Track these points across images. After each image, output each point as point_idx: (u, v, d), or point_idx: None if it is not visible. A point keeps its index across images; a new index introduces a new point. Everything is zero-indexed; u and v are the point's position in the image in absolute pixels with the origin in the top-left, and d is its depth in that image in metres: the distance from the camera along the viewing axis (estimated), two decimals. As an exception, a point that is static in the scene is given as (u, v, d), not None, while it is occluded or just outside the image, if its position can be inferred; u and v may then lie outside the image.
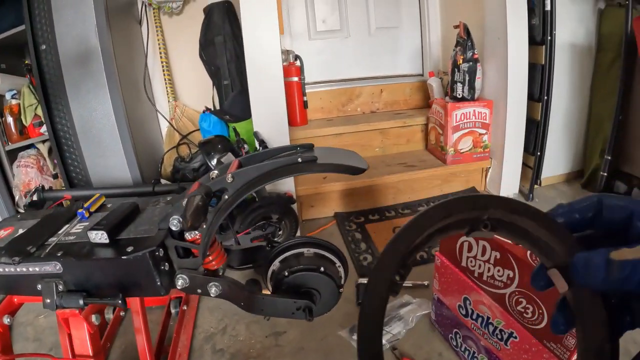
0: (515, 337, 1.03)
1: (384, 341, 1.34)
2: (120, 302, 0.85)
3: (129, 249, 0.84)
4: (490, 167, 2.39)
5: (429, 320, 1.43)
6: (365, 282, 1.58)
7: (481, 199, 0.38)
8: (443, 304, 1.30)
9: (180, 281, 0.87)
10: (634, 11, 1.93)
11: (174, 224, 0.81)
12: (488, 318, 1.11)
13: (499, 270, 1.05)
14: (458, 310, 1.23)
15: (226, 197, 0.81)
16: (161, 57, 2.52)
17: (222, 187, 0.83)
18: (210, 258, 0.89)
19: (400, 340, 1.36)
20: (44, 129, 2.13)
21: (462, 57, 2.16)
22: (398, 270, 0.38)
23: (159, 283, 0.85)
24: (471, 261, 1.14)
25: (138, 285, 0.87)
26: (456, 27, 2.20)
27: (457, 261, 1.18)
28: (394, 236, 0.38)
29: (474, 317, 1.17)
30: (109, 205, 1.10)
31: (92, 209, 1.06)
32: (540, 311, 0.94)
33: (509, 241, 0.99)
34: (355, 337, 1.37)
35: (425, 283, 1.61)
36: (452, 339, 1.30)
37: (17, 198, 2.19)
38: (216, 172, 0.84)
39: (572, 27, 2.22)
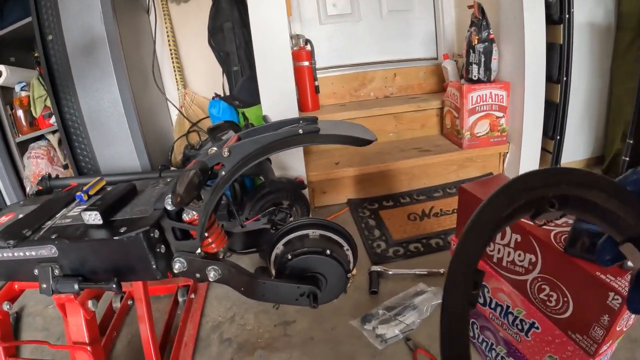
0: (537, 328, 0.96)
1: (396, 331, 1.29)
2: (114, 286, 0.82)
3: (123, 229, 0.80)
4: (508, 152, 2.31)
5: (444, 309, 1.37)
6: (379, 269, 1.54)
7: (546, 175, 0.35)
8: (459, 292, 1.24)
9: (178, 264, 0.83)
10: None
11: (169, 202, 0.77)
12: (507, 307, 1.04)
13: (519, 255, 0.98)
14: (475, 299, 1.16)
15: (223, 173, 0.77)
16: (169, 45, 2.50)
17: (219, 161, 0.78)
18: (210, 240, 0.85)
19: (414, 330, 1.31)
20: (53, 119, 2.12)
21: (477, 37, 2.09)
22: (473, 282, 0.36)
23: (154, 266, 0.81)
24: (490, 246, 1.07)
25: (133, 268, 0.83)
26: (470, 7, 2.13)
27: (474, 246, 1.12)
28: (460, 244, 0.36)
29: (493, 306, 1.10)
30: (109, 188, 1.07)
31: (92, 192, 1.02)
32: (566, 299, 0.86)
33: (529, 222, 0.92)
34: (366, 326, 1.33)
35: (442, 271, 1.56)
36: (469, 329, 1.24)
37: (28, 189, 2.19)
38: (214, 148, 0.80)
39: (591, 6, 2.13)
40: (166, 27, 2.47)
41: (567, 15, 1.94)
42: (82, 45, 1.87)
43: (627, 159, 2.02)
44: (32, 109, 2.20)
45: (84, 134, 1.98)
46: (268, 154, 0.74)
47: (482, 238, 0.35)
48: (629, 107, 2.02)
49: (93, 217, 0.84)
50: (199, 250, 0.86)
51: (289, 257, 0.84)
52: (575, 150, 2.36)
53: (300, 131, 0.75)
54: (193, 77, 2.63)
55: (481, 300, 1.14)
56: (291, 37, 1.91)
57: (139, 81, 2.19)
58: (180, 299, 1.50)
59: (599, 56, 2.23)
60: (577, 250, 0.79)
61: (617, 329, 0.77)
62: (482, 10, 2.06)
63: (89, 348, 0.94)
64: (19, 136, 2.23)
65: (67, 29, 1.85)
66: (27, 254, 0.86)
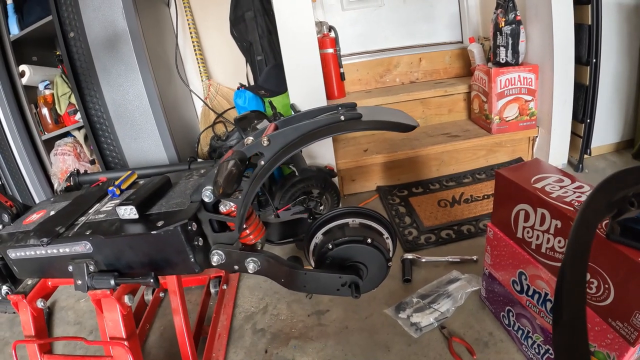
0: (577, 315, 0.93)
1: (431, 319, 1.27)
2: (152, 281, 0.81)
3: (160, 223, 0.79)
4: (537, 136, 2.26)
5: (478, 298, 1.36)
6: (412, 257, 1.52)
7: (623, 177, 0.35)
8: (495, 280, 1.21)
9: (216, 257, 0.82)
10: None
11: (207, 194, 0.76)
12: (546, 294, 1.02)
13: (559, 241, 0.95)
14: (512, 286, 1.14)
15: (262, 162, 0.75)
16: (192, 37, 2.50)
17: (258, 151, 0.76)
18: (248, 231, 0.84)
19: (449, 318, 1.29)
20: (78, 116, 2.14)
21: (503, 19, 2.03)
22: None
23: (192, 259, 0.80)
24: (528, 232, 1.04)
25: (170, 262, 0.83)
26: (497, -13, 2.06)
27: (512, 232, 1.09)
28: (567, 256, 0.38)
29: (530, 293, 1.07)
30: (141, 182, 1.06)
31: (124, 187, 1.02)
32: (607, 286, 0.83)
33: (569, 208, 0.89)
34: (401, 315, 1.31)
35: (475, 258, 1.53)
36: (504, 317, 1.22)
37: (55, 186, 2.22)
38: (251, 137, 0.78)
39: (618, -16, 2.05)
40: (187, 19, 2.46)
41: (595, -6, 1.88)
42: (104, 41, 1.88)
43: (658, 143, 1.96)
44: (56, 106, 2.23)
45: (110, 129, 2.00)
46: (309, 142, 0.73)
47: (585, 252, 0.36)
48: None
49: (129, 212, 0.83)
50: (237, 242, 0.85)
51: (330, 246, 0.83)
52: (606, 134, 2.29)
53: (342, 118, 0.73)
54: (216, 68, 2.63)
55: (518, 287, 1.11)
56: (315, 24, 1.89)
57: (163, 74, 2.20)
58: (212, 290, 1.50)
59: (628, 37, 2.15)
60: (619, 236, 0.77)
61: (659, 316, 0.75)
62: (509, -9, 2.00)
63: (126, 343, 0.94)
64: (44, 134, 2.26)
65: (88, 25, 1.86)
66: (61, 250, 0.86)
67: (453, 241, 1.70)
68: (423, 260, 1.57)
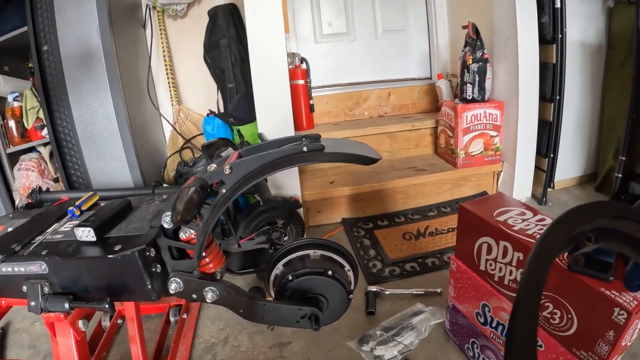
0: (541, 346, 0.94)
1: (395, 352, 1.26)
2: (107, 306, 0.79)
3: (117, 247, 0.78)
4: (502, 170, 2.32)
5: (443, 330, 1.36)
6: (376, 289, 1.52)
7: (582, 212, 0.36)
8: (459, 312, 1.22)
9: (174, 285, 0.80)
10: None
11: (166, 220, 0.75)
12: (509, 326, 1.03)
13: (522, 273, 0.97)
14: (476, 318, 1.15)
15: (224, 190, 0.75)
16: (165, 61, 2.49)
17: (220, 179, 0.76)
18: (207, 260, 0.83)
19: (413, 351, 1.28)
20: (45, 132, 2.09)
21: (471, 57, 2.11)
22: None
23: (149, 286, 0.78)
24: (491, 264, 1.06)
25: (127, 288, 0.81)
26: (465, 27, 2.15)
27: (475, 265, 1.11)
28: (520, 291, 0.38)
29: (494, 325, 1.09)
30: (102, 204, 1.04)
31: (84, 207, 1.00)
32: (570, 316, 0.85)
33: (531, 241, 0.92)
34: (364, 348, 1.30)
35: (438, 290, 1.54)
36: (469, 349, 1.22)
37: (17, 202, 2.14)
38: (214, 165, 0.78)
39: (582, 26, 2.17)
40: (162, 42, 2.46)
41: (560, 35, 1.98)
42: (77, 57, 1.86)
43: (620, 175, 2.04)
44: (24, 120, 2.17)
45: (76, 147, 1.95)
46: (271, 172, 0.73)
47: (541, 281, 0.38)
48: (620, 125, 2.06)
49: (86, 234, 0.81)
50: (196, 270, 0.83)
51: (290, 278, 0.82)
52: (569, 167, 2.38)
53: (305, 149, 0.74)
54: (188, 93, 2.62)
55: (482, 319, 1.12)
56: (287, 55, 1.91)
57: (134, 96, 2.17)
58: (172, 319, 1.46)
59: (591, 75, 2.26)
60: (580, 267, 0.80)
61: (622, 344, 0.77)
62: (476, 31, 2.08)
63: (78, 369, 0.90)
64: (9, 147, 2.19)
65: (63, 39, 1.84)
66: (16, 269, 0.83)
67: (417, 274, 1.70)
68: (387, 292, 1.56)
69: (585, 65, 2.24)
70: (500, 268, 1.02)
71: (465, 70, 2.15)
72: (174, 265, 0.83)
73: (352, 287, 0.86)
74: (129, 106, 1.97)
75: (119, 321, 1.49)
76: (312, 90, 2.44)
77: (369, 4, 2.68)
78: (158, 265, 0.82)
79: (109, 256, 0.78)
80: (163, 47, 2.47)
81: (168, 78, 2.51)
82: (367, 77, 2.75)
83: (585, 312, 0.81)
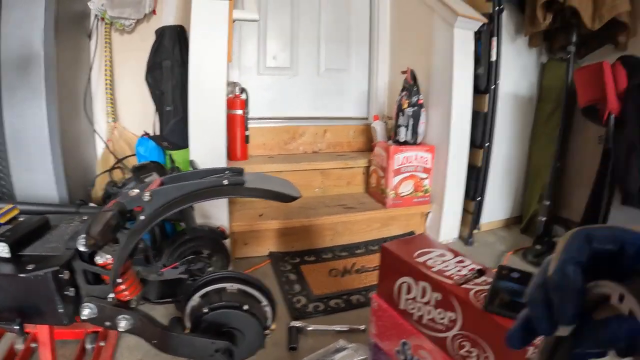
0: (456, 385, 0.96)
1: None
2: (17, 328, 0.75)
3: (30, 266, 0.75)
4: (430, 212, 2.40)
5: (364, 366, 1.35)
6: (299, 325, 1.49)
7: None
8: (380, 350, 1.23)
9: (87, 310, 0.77)
10: (574, 64, 2.05)
11: (82, 243, 0.72)
12: (428, 364, 1.05)
13: (440, 313, 1.00)
14: (396, 356, 1.16)
15: (142, 217, 0.72)
16: (106, 75, 2.42)
17: (139, 205, 0.74)
18: (123, 287, 0.80)
19: (333, 388, 1.27)
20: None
21: (407, 101, 2.20)
22: None
23: (61, 310, 0.76)
24: (410, 303, 1.08)
25: (38, 310, 0.78)
26: (404, 72, 2.25)
27: (395, 303, 1.12)
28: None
29: (413, 362, 1.10)
30: (21, 219, 0.97)
31: (2, 220, 0.93)
32: (486, 355, 0.89)
33: (449, 282, 0.95)
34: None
35: (362, 327, 1.55)
36: (388, 386, 1.22)
37: None
38: (136, 190, 0.75)
39: (516, 78, 2.33)
40: (106, 56, 2.40)
41: (493, 86, 2.11)
42: (16, 61, 1.77)
43: (544, 218, 2.18)
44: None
45: (2, 155, 1.84)
46: (190, 203, 0.72)
47: None
48: (545, 172, 2.23)
49: (1, 249, 0.77)
50: (111, 297, 0.79)
51: (206, 310, 0.80)
52: (496, 210, 2.51)
53: (225, 182, 0.74)
54: (125, 111, 2.54)
55: (402, 357, 1.14)
56: (227, 84, 1.91)
57: (69, 108, 2.10)
58: (88, 346, 1.39)
59: (520, 124, 2.42)
60: (495, 308, 0.83)
61: (538, 380, 0.80)
62: (414, 77, 2.19)
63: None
64: None
65: (4, 39, 1.74)
66: None
67: (342, 310, 1.71)
68: (310, 328, 1.56)
69: (516, 115, 2.39)
70: (419, 307, 1.05)
71: (401, 114, 2.23)
72: (88, 290, 0.81)
73: (268, 323, 0.84)
74: (63, 118, 1.90)
75: (33, 345, 1.39)
76: (250, 121, 2.44)
77: (315, 41, 2.75)
78: (72, 289, 0.79)
79: (21, 275, 0.75)
80: (106, 61, 2.41)
81: (107, 93, 2.44)
82: (306, 113, 2.79)
83: (500, 351, 0.84)
